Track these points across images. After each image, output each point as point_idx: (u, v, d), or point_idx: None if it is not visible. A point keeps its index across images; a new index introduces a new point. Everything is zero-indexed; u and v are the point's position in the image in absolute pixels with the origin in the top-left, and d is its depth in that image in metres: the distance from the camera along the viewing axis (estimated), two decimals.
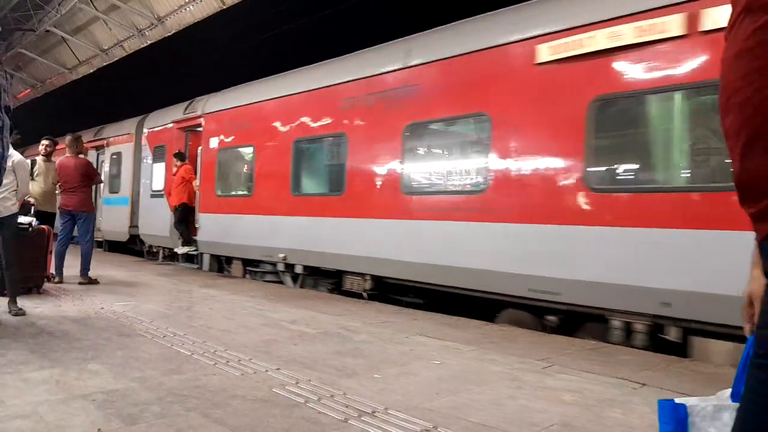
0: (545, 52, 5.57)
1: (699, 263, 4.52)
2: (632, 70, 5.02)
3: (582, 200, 5.32)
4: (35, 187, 7.45)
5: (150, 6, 16.35)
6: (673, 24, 4.68)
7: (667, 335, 4.79)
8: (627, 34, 4.97)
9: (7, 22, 18.61)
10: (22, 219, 6.46)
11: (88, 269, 7.78)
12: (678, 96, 4.90)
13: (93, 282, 7.71)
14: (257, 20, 19.48)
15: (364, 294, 7.43)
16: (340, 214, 7.76)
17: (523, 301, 5.76)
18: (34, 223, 6.71)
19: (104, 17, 17.72)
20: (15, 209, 5.61)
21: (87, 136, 9.29)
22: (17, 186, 5.67)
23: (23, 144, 15.39)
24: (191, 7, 15.37)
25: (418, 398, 3.26)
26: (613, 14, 5.11)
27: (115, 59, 19.80)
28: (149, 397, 3.07)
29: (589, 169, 5.28)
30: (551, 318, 5.62)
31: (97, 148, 15.05)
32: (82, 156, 8.20)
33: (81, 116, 22.33)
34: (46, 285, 7.10)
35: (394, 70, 7.17)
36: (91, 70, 21.50)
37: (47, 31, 19.34)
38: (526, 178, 5.75)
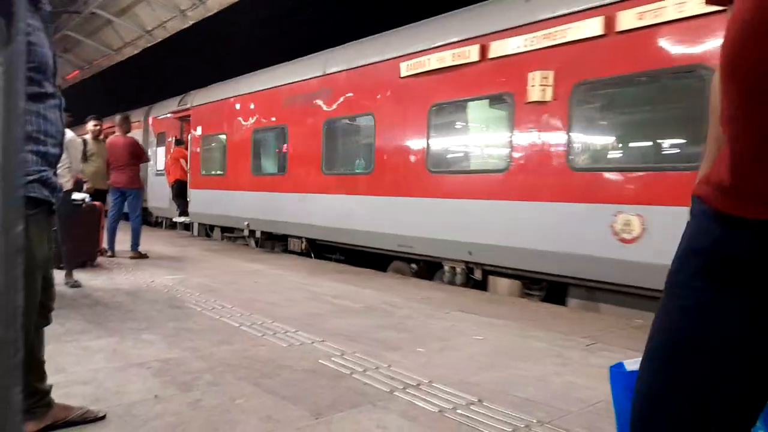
0: (405, 69, 7.39)
1: (488, 224, 6.34)
2: (452, 85, 6.84)
3: (425, 179, 7.18)
4: (89, 167, 7.69)
5: None
6: (473, 52, 6.49)
7: (474, 275, 6.71)
8: (447, 58, 6.81)
9: (55, 5, 19.10)
10: (75, 195, 6.71)
11: (138, 244, 8.05)
12: (478, 104, 6.80)
13: (143, 256, 7.98)
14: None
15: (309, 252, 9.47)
16: (284, 190, 9.72)
17: (398, 254, 7.71)
18: (86, 200, 6.95)
19: None
20: (69, 186, 5.82)
21: (109, 122, 9.85)
22: (70, 163, 5.87)
23: (73, 124, 16.04)
24: None
25: (462, 372, 3.28)
26: (440, 43, 6.97)
27: (159, 40, 20.10)
28: (201, 366, 3.18)
29: (428, 157, 7.14)
30: (413, 265, 7.70)
31: (97, 134, 15.72)
32: (130, 135, 8.43)
33: (127, 96, 22.89)
34: (99, 259, 7.39)
35: (317, 77, 9.05)
36: (136, 51, 21.91)
37: (93, 13, 19.75)
38: (396, 162, 7.62)
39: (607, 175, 5.38)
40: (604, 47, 5.38)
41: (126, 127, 8.30)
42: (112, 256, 7.90)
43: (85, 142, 7.55)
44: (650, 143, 5.53)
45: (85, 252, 6.79)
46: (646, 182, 5.04)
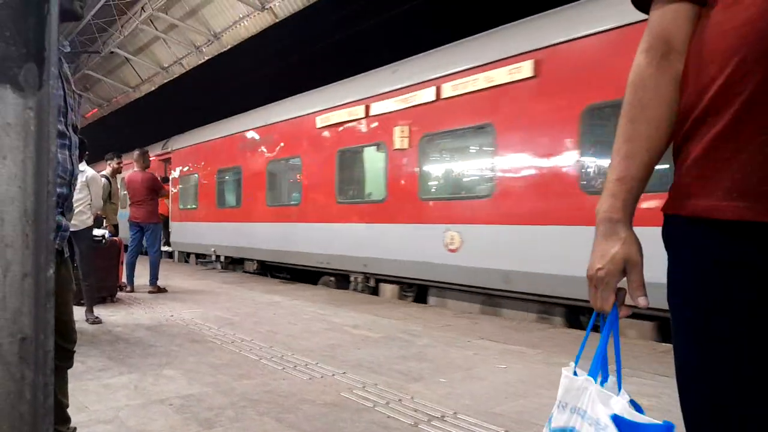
0: (319, 122, 9.24)
1: (375, 243, 8.04)
2: (350, 135, 8.71)
3: (335, 208, 8.97)
4: (111, 206, 7.76)
5: (206, 23, 16.91)
6: (360, 111, 8.38)
7: (369, 283, 8.42)
8: (344, 115, 8.71)
9: (75, 45, 19.66)
10: (95, 231, 6.79)
11: (157, 278, 8.09)
12: (367, 149, 8.58)
13: (162, 290, 8.01)
14: (308, 32, 19.85)
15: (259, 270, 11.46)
16: (239, 220, 11.69)
17: (321, 269, 9.41)
18: (107, 236, 7.02)
19: (164, 36, 18.46)
20: (90, 222, 5.89)
21: (127, 158, 10.08)
22: (91, 200, 5.95)
23: (90, 161, 16.38)
24: (245, 21, 15.81)
25: (486, 403, 3.21)
26: (339, 103, 8.87)
27: (175, 76, 20.56)
28: (223, 402, 3.15)
29: (336, 190, 8.91)
30: (332, 278, 9.34)
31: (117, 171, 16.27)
32: (148, 170, 8.54)
33: (145, 132, 23.29)
34: (119, 294, 7.43)
35: (263, 126, 10.98)
36: (153, 88, 22.41)
37: (111, 52, 20.31)
38: (316, 195, 9.46)
39: (440, 202, 7.30)
40: (436, 109, 7.23)
41: (144, 162, 8.42)
42: (132, 291, 7.94)
43: (109, 181, 7.59)
44: (464, 179, 7.38)
45: (105, 287, 6.83)
46: (463, 207, 6.88)
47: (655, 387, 3.54)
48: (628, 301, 1.07)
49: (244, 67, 22.77)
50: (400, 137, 7.62)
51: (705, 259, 0.95)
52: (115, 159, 7.89)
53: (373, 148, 8.36)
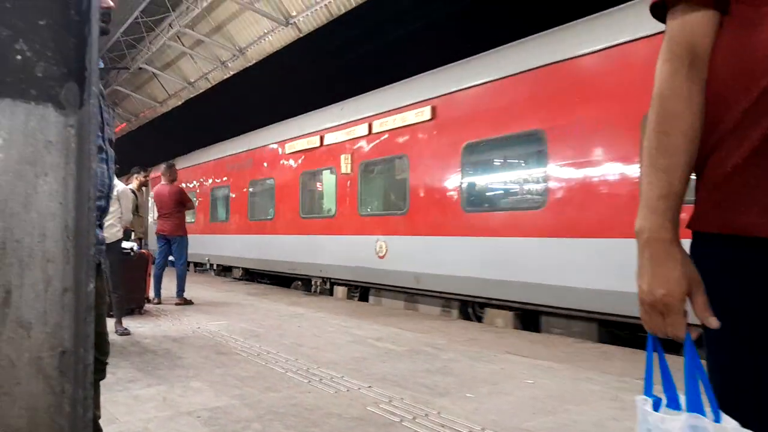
0: (287, 149, 11.09)
1: (330, 251, 9.67)
2: (310, 160, 10.50)
3: (299, 222, 10.69)
4: (138, 219, 7.95)
5: (231, 38, 17.18)
6: (316, 140, 10.17)
7: (326, 286, 10.02)
8: (305, 143, 10.53)
9: (105, 62, 20.16)
10: (124, 244, 6.90)
11: (183, 290, 8.18)
12: (323, 172, 10.28)
13: (188, 303, 8.10)
14: (332, 46, 20.07)
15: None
16: (227, 233, 13.49)
17: (294, 276, 11.18)
18: (135, 249, 7.14)
19: (190, 52, 18.80)
20: (120, 235, 6.00)
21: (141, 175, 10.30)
22: (121, 214, 6.06)
23: (118, 174, 16.98)
24: (270, 37, 16.01)
25: (514, 419, 3.16)
26: (301, 133, 10.75)
27: (201, 90, 20.90)
28: (250, 415, 3.16)
29: (300, 206, 10.75)
30: (299, 282, 11.27)
31: (144, 184, 17.32)
32: (175, 183, 8.68)
33: (171, 145, 23.71)
34: (146, 306, 7.52)
35: (246, 150, 12.91)
36: (179, 102, 22.82)
37: (140, 68, 20.76)
38: (285, 211, 11.20)
39: (373, 217, 9.04)
40: (369, 141, 9.00)
41: (171, 175, 8.55)
42: (159, 302, 8.04)
43: (135, 194, 7.72)
44: (389, 198, 9.11)
45: (133, 299, 6.93)
46: (388, 222, 8.55)
47: None
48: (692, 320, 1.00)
49: (269, 81, 23.09)
50: (345, 163, 9.36)
51: (743, 277, 0.92)
52: (141, 173, 8.01)
53: (328, 171, 10.05)
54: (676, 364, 0.99)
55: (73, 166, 0.88)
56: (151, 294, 7.99)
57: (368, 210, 9.18)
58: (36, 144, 0.86)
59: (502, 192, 7.15)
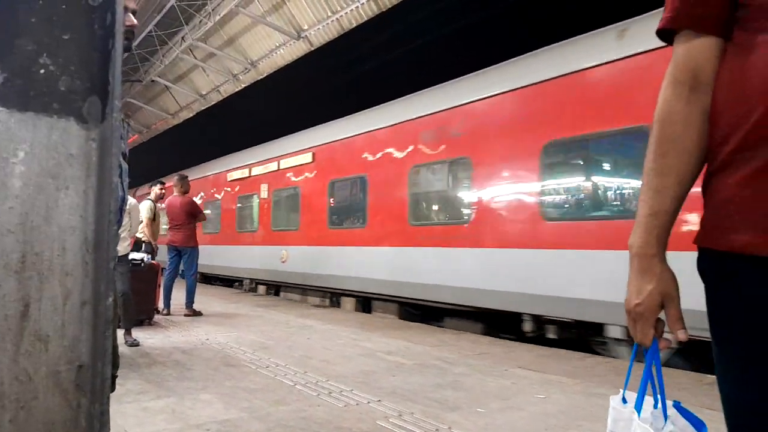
0: (229, 177, 14.08)
1: (257, 258, 12.45)
2: (244, 187, 13.41)
3: (237, 235, 13.65)
4: (150, 227, 8.07)
5: (243, 51, 17.36)
6: (246, 172, 13.35)
7: (252, 285, 13.01)
8: (238, 174, 13.60)
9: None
10: (135, 255, 6.94)
11: (193, 301, 8.19)
12: (250, 197, 13.10)
13: (197, 314, 8.11)
14: (344, 60, 20.21)
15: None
16: (216, 243, 14.66)
17: (234, 278, 13.94)
18: (146, 259, 7.17)
19: (202, 65, 19.00)
20: (129, 248, 6.04)
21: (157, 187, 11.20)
22: (130, 227, 6.10)
23: (131, 186, 17.34)
24: (281, 50, 16.17)
25: None
26: (236, 165, 13.86)
27: (212, 103, 21.10)
28: (259, 428, 3.14)
29: (236, 223, 13.56)
30: (238, 283, 13.77)
31: (160, 197, 18.44)
32: (187, 195, 8.73)
33: (182, 157, 23.90)
34: (156, 317, 7.54)
35: (201, 177, 15.41)
36: (191, 114, 23.04)
37: (152, 81, 21.00)
38: (227, 226, 14.20)
39: (279, 232, 11.86)
40: (278, 175, 11.94)
41: (184, 187, 8.61)
42: (168, 314, 8.06)
43: (155, 204, 8.00)
44: (288, 218, 11.70)
45: (143, 310, 6.95)
46: (288, 235, 11.41)
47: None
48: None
49: (280, 94, 23.25)
50: (263, 190, 12.46)
51: (744, 295, 0.95)
52: (158, 185, 8.25)
53: (255, 196, 12.90)
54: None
55: (94, 180, 0.89)
56: (161, 305, 8.01)
57: (277, 226, 12.10)
58: (58, 157, 0.87)
59: (347, 215, 10.06)
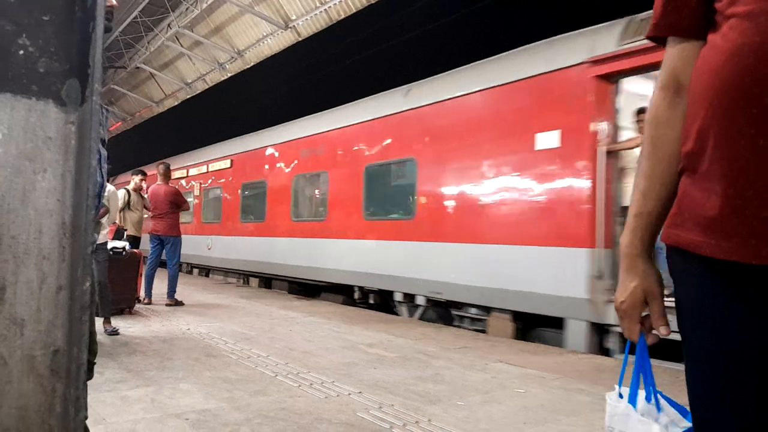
0: (174, 174, 11.83)
1: (194, 247, 14.28)
2: (187, 182, 15.60)
3: (200, 227, 14.86)
4: (133, 215, 8.04)
5: (230, 40, 17.19)
6: (185, 172, 15.83)
7: (188, 269, 15.46)
8: (178, 173, 14.98)
9: (102, 60, 20.07)
10: (116, 243, 6.87)
11: (175, 291, 8.13)
12: (189, 195, 14.59)
13: (179, 304, 8.05)
14: (332, 51, 20.10)
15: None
16: (192, 233, 15.08)
17: (200, 266, 15.14)
18: (127, 248, 7.10)
19: (188, 53, 18.78)
20: (107, 235, 5.97)
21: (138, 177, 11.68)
22: (109, 214, 6.03)
23: (113, 173, 17.21)
24: (269, 40, 16.03)
25: (506, 428, 3.15)
26: (180, 166, 15.76)
27: (198, 92, 20.89)
28: (239, 418, 3.14)
29: (182, 217, 10.73)
30: (196, 269, 15.50)
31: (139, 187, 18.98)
32: (170, 183, 8.66)
33: (167, 145, 23.67)
34: (137, 306, 7.47)
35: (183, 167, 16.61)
36: (176, 103, 22.78)
37: (137, 67, 20.72)
38: (197, 218, 15.29)
39: (206, 225, 14.35)
40: (207, 176, 14.48)
41: (168, 175, 8.53)
42: (149, 303, 7.99)
43: (128, 192, 7.96)
44: (214, 212, 14.23)
45: (124, 299, 6.88)
46: (213, 227, 14.16)
47: None
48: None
49: (267, 84, 23.08)
50: (197, 188, 14.91)
51: (692, 293, 1.00)
52: (138, 175, 8.22)
53: (191, 193, 14.97)
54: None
55: (73, 163, 0.88)
56: (142, 294, 7.94)
57: (205, 220, 14.65)
58: (35, 140, 0.86)
59: (252, 212, 12.46)
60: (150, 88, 23.35)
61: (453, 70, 7.82)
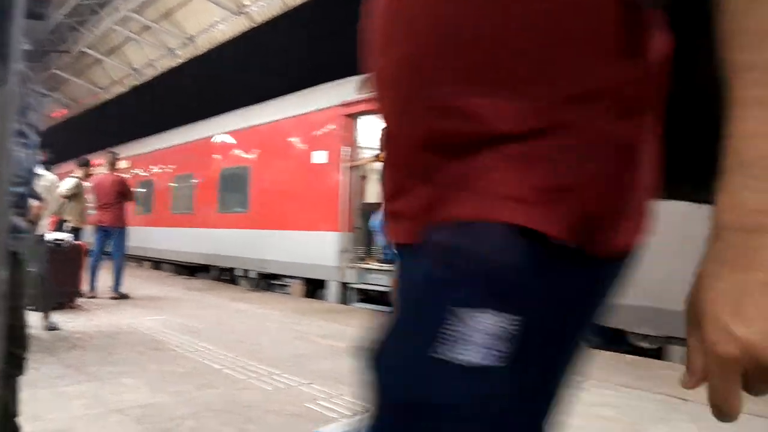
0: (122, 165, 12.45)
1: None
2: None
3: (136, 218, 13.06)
4: (76, 206, 7.76)
5: (179, 25, 16.74)
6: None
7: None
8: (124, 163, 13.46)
9: (44, 44, 19.22)
10: (57, 235, 6.61)
11: (120, 284, 7.90)
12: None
13: (124, 297, 7.83)
14: (287, 38, 19.80)
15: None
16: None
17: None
18: (66, 239, 6.83)
19: (137, 38, 18.19)
20: (47, 227, 5.74)
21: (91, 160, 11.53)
22: (47, 205, 5.81)
23: (58, 160, 16.60)
24: (221, 25, 15.70)
25: None
26: (128, 155, 14.07)
27: (147, 78, 20.27)
28: (184, 412, 3.08)
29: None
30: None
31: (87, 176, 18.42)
32: (117, 174, 8.38)
33: (114, 133, 22.86)
34: (79, 300, 7.22)
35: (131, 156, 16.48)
36: (124, 89, 22.05)
37: (82, 52, 19.93)
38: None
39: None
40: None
41: (113, 165, 8.26)
42: (93, 296, 7.73)
43: (79, 181, 7.80)
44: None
45: (65, 292, 6.63)
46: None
47: (618, 398, 3.59)
48: None
49: (222, 71, 22.56)
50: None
51: None
52: (88, 165, 8.07)
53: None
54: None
55: None
56: (86, 287, 7.67)
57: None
58: None
59: (144, 206, 13.93)
60: (96, 74, 22.53)
61: (274, 99, 10.46)
